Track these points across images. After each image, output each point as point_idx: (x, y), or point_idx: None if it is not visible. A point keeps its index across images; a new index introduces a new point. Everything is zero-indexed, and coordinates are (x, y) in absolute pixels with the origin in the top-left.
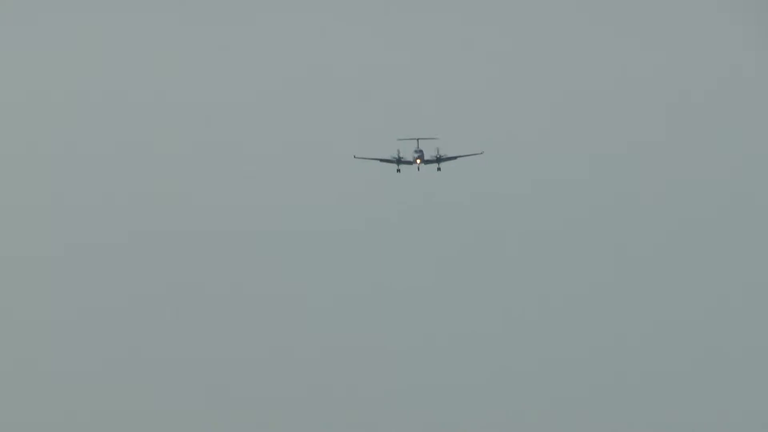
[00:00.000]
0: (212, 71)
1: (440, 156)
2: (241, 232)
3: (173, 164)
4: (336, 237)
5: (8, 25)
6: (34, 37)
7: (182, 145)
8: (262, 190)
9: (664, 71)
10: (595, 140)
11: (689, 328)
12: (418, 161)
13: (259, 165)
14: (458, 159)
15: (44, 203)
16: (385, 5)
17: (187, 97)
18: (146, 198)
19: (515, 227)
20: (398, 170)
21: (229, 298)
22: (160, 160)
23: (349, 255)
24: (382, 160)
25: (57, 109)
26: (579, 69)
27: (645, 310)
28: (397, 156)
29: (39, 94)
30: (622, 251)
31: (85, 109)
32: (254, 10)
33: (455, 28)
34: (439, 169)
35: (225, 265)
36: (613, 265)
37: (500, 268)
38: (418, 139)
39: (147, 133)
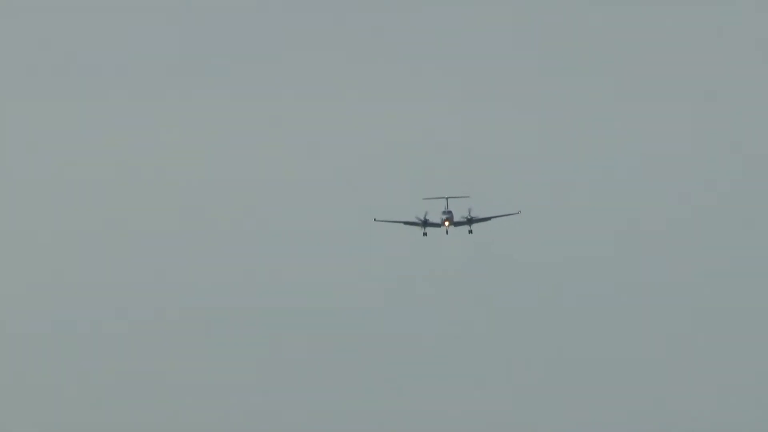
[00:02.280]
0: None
1: (472, 217)
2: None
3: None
4: (354, 313)
5: (72, 104)
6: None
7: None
8: (273, 264)
9: (706, 142)
10: (640, 200)
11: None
12: (447, 223)
13: (269, 234)
14: (492, 220)
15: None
16: (412, 63)
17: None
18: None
19: (556, 298)
20: (425, 234)
21: (248, 373)
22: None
23: (369, 332)
24: (406, 223)
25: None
26: (623, 128)
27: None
28: (423, 218)
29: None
30: (667, 322)
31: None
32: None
33: (485, 84)
34: (470, 231)
35: (240, 340)
36: (659, 335)
37: (538, 346)
38: (447, 198)
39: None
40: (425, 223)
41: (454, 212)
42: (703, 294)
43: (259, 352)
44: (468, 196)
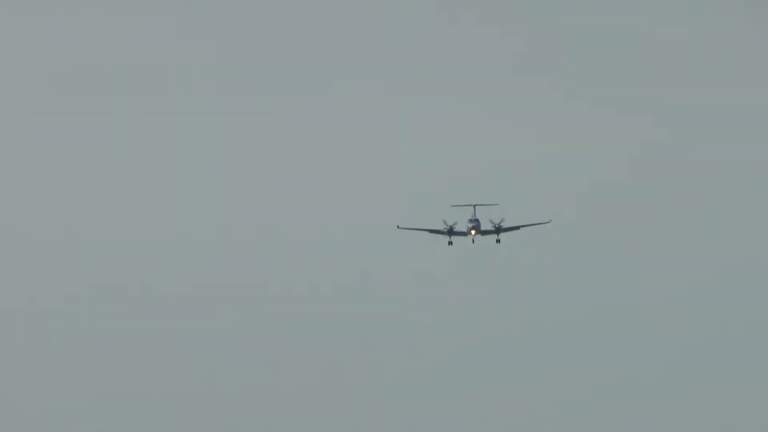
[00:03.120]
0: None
1: (500, 225)
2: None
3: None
4: (374, 326)
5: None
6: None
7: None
8: (290, 272)
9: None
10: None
11: None
12: (473, 232)
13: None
14: (521, 229)
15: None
16: (434, 73)
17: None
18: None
19: (587, 311)
20: (450, 243)
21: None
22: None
23: (392, 346)
24: (431, 231)
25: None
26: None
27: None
28: (448, 226)
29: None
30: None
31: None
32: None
33: (513, 93)
34: (498, 241)
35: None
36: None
37: (568, 362)
38: (474, 206)
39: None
40: (451, 232)
41: (481, 221)
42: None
43: (276, 362)
44: (497, 204)
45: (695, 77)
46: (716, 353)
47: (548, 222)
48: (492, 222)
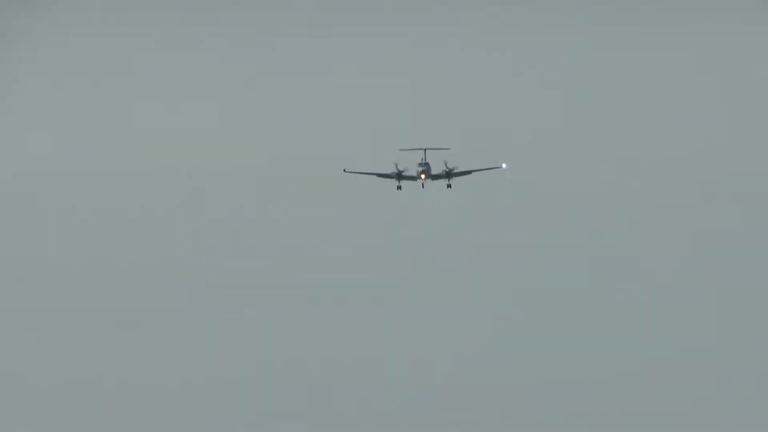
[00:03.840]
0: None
1: (451, 170)
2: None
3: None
4: (321, 272)
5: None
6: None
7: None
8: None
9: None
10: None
11: None
12: (423, 176)
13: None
14: (473, 174)
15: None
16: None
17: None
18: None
19: (540, 260)
20: (399, 187)
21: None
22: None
23: (339, 297)
24: (379, 175)
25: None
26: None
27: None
28: (397, 170)
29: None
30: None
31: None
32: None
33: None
34: (449, 185)
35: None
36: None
37: (520, 312)
38: (425, 150)
39: None
40: (400, 176)
41: (432, 164)
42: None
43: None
44: (448, 149)
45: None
46: (666, 314)
47: (501, 167)
48: (444, 166)
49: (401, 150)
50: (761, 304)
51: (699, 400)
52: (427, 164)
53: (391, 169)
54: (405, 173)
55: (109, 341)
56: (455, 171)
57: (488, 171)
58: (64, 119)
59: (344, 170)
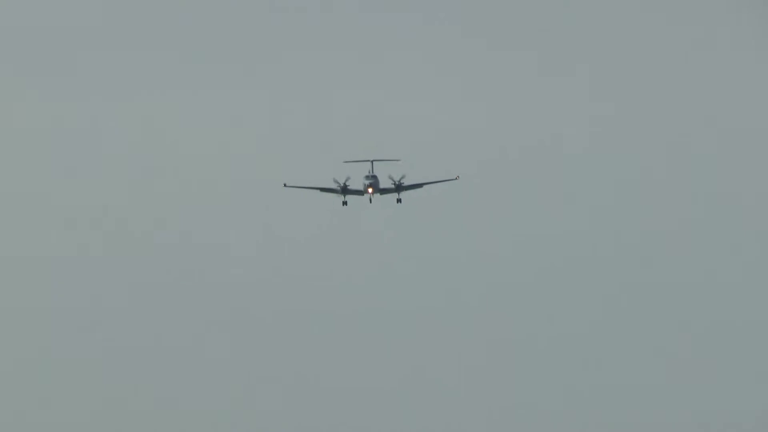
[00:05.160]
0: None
1: (401, 183)
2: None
3: None
4: (261, 296)
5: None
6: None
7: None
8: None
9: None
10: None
11: None
12: (371, 190)
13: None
14: (425, 186)
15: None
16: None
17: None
18: None
19: (497, 279)
20: (344, 203)
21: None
22: None
23: (281, 323)
24: (323, 190)
25: None
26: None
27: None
28: (341, 184)
29: None
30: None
31: None
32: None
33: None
34: (399, 200)
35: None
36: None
37: (479, 338)
38: (372, 162)
39: None
40: (345, 190)
41: (379, 178)
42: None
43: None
44: (398, 160)
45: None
46: (638, 304)
47: (455, 179)
48: (392, 179)
49: (346, 162)
50: None
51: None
52: (374, 177)
53: (335, 183)
54: (351, 187)
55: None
56: (405, 184)
57: (442, 183)
58: None
59: (284, 185)
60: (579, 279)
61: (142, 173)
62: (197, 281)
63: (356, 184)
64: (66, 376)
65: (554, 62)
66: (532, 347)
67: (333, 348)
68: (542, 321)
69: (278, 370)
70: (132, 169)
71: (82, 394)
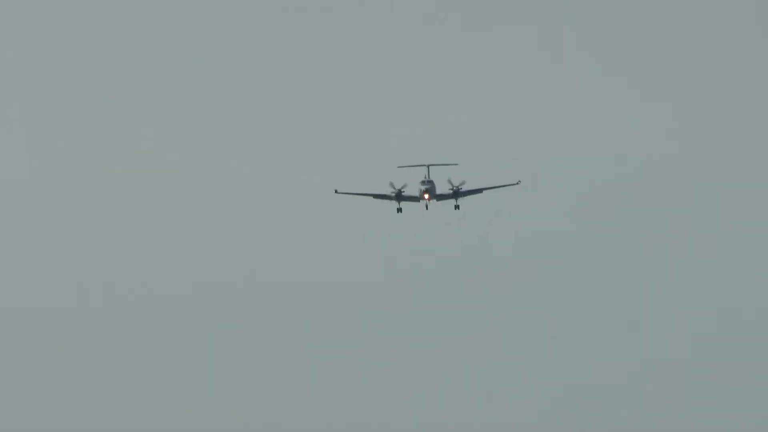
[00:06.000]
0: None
1: (458, 188)
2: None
3: None
4: (311, 308)
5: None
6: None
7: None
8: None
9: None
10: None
11: None
12: (426, 196)
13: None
14: (484, 192)
15: None
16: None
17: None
18: None
19: (561, 289)
20: (399, 209)
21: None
22: None
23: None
24: (376, 196)
25: None
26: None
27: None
28: (396, 189)
29: None
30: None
31: None
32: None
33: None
34: (457, 207)
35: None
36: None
37: (541, 352)
38: (428, 166)
39: None
40: (400, 196)
41: (436, 183)
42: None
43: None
44: (456, 164)
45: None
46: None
47: (517, 183)
48: (450, 184)
49: (400, 167)
50: None
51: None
52: (431, 182)
53: (389, 189)
54: (406, 193)
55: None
56: (464, 189)
57: (502, 189)
58: None
59: (335, 191)
60: (647, 291)
61: (192, 176)
62: (248, 289)
63: (411, 189)
64: (65, 376)
65: (614, 64)
66: (603, 361)
67: (391, 358)
68: (613, 335)
69: (337, 378)
70: (182, 173)
71: (81, 394)
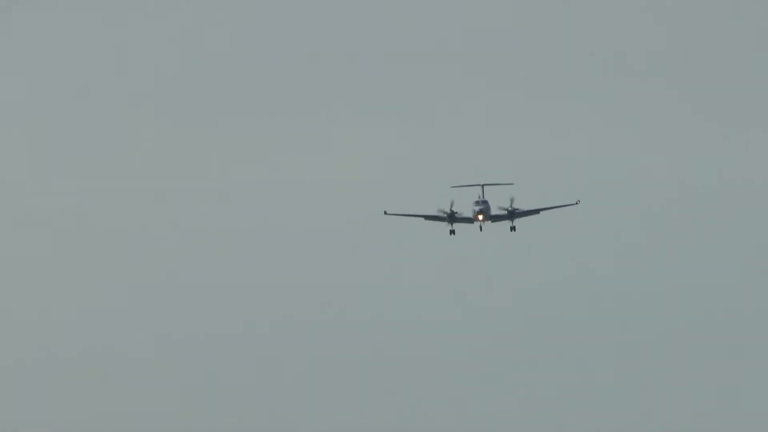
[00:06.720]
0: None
1: (514, 209)
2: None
3: None
4: (356, 338)
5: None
6: None
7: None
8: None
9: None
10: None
11: None
12: (481, 217)
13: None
14: (541, 213)
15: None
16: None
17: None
18: None
19: (620, 314)
20: (452, 231)
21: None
22: None
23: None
24: (427, 218)
25: None
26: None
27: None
28: (448, 211)
29: None
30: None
31: None
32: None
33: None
34: (513, 228)
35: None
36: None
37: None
38: (482, 186)
39: None
40: (453, 218)
41: (491, 203)
42: None
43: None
44: (511, 184)
45: None
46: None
47: (576, 203)
48: (510, 205)
49: (453, 187)
50: None
51: None
52: (485, 203)
53: (441, 210)
54: (459, 214)
55: None
56: (519, 210)
57: (560, 209)
58: None
59: (384, 212)
60: (708, 315)
61: (243, 198)
62: (301, 312)
63: (465, 210)
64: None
65: (674, 86)
66: (665, 387)
67: (445, 385)
68: (680, 361)
69: (393, 408)
70: (232, 196)
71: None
